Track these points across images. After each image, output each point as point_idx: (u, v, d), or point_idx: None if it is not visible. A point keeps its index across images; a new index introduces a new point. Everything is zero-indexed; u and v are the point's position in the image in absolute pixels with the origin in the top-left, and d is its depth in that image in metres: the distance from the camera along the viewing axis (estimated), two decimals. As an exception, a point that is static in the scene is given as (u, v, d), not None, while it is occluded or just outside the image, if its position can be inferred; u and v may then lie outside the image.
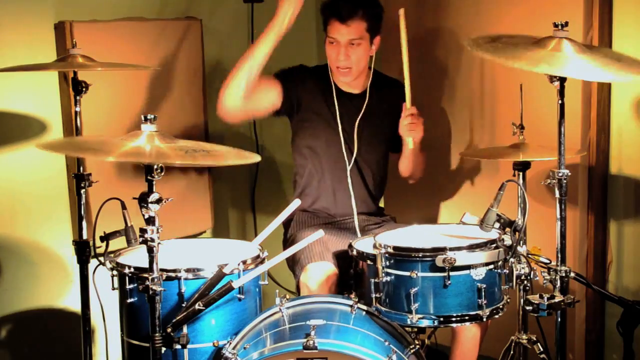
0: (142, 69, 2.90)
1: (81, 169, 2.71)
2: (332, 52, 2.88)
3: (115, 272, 2.36)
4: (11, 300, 3.03)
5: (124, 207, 2.44)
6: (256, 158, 2.17)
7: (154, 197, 1.99)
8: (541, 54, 2.22)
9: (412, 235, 2.50)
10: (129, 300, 2.30)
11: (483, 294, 2.24)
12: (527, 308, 2.29)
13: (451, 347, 2.71)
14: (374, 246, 2.33)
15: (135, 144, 2.00)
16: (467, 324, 2.36)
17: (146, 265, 2.06)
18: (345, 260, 2.66)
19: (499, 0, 3.13)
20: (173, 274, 2.24)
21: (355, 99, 2.97)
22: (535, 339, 2.67)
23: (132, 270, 2.29)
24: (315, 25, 3.84)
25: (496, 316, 2.30)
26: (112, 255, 2.42)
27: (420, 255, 2.24)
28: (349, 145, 2.95)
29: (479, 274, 2.25)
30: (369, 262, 2.38)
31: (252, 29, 3.65)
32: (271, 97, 2.89)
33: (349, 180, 2.94)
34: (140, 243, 2.04)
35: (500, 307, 2.32)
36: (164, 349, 2.10)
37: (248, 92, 2.74)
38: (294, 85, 2.93)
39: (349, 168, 2.94)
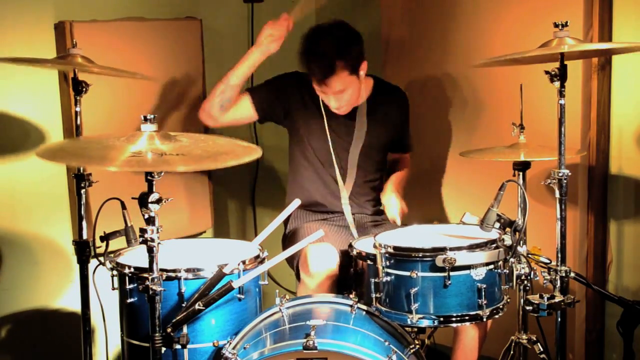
0: (140, 77, 2.88)
1: (81, 169, 2.71)
2: (322, 96, 2.87)
3: (115, 272, 2.36)
4: (11, 300, 3.03)
5: (123, 207, 2.44)
6: (257, 152, 2.15)
7: (153, 197, 1.99)
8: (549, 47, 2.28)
9: (412, 235, 2.50)
10: (129, 300, 2.30)
11: (483, 294, 2.24)
12: (527, 308, 2.29)
13: (453, 347, 2.71)
14: (374, 246, 2.33)
15: (137, 148, 1.98)
16: (467, 323, 2.36)
17: (146, 265, 2.05)
18: (344, 258, 2.66)
19: (498, 1, 3.13)
20: (173, 274, 2.24)
21: (345, 115, 2.95)
22: (535, 339, 2.66)
23: (132, 270, 2.29)
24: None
25: (496, 316, 2.30)
26: (112, 255, 2.42)
27: (420, 255, 2.24)
28: (342, 155, 2.95)
29: (479, 274, 2.25)
30: (369, 262, 2.38)
31: (252, 29, 3.66)
32: (244, 111, 2.95)
33: (340, 183, 2.94)
34: (140, 243, 2.04)
35: (501, 307, 2.32)
36: (164, 349, 2.10)
37: (225, 107, 2.88)
38: (273, 96, 2.94)
39: (338, 176, 2.95)
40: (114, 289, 2.38)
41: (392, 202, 2.86)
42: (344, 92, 2.80)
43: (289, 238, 2.97)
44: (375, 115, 2.98)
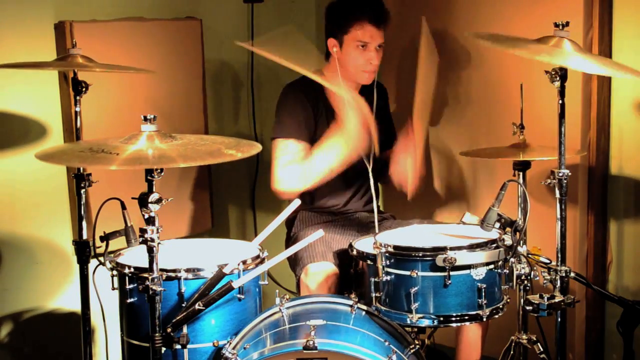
0: (141, 72, 2.90)
1: (81, 169, 2.71)
2: (361, 57, 2.85)
3: (115, 272, 2.36)
4: (11, 300, 3.03)
5: (123, 207, 2.44)
6: (257, 148, 2.15)
7: (153, 197, 1.99)
8: (542, 47, 2.26)
9: (413, 235, 2.50)
10: (129, 300, 2.30)
11: (483, 293, 2.24)
12: (527, 308, 2.29)
13: (456, 347, 2.71)
14: (374, 245, 2.33)
15: (137, 147, 2.00)
16: (467, 323, 2.36)
17: (146, 265, 2.05)
18: (348, 258, 2.65)
19: (498, 0, 3.13)
20: (173, 274, 2.24)
21: None
22: (535, 339, 2.67)
23: (132, 270, 2.29)
24: (315, 25, 3.84)
25: (496, 316, 2.30)
26: (112, 255, 2.42)
27: (420, 254, 2.24)
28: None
29: (479, 273, 2.25)
30: (369, 261, 2.38)
31: (252, 29, 3.66)
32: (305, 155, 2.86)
33: (371, 180, 2.89)
34: (140, 243, 2.04)
35: (501, 307, 2.32)
36: (164, 349, 2.10)
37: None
38: (308, 120, 2.87)
39: (370, 167, 2.89)
40: (114, 289, 2.38)
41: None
42: (380, 51, 2.87)
43: (292, 241, 2.97)
44: (371, 107, 2.97)
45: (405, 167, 2.87)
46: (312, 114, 2.89)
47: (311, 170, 2.76)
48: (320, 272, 2.65)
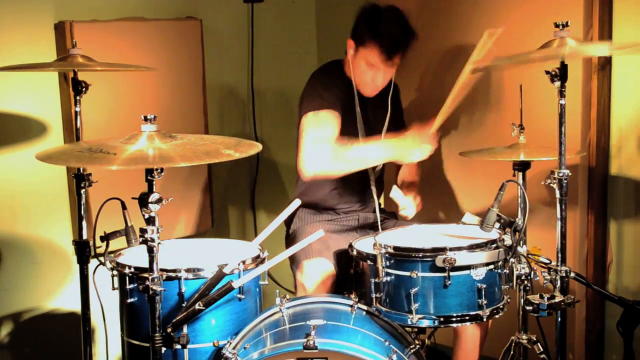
0: (142, 69, 2.90)
1: (81, 169, 2.71)
2: (368, 73, 2.79)
3: (115, 272, 2.36)
4: (11, 300, 3.03)
5: (124, 207, 2.44)
6: (257, 148, 2.15)
7: (153, 197, 1.99)
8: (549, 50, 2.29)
9: (413, 235, 2.50)
10: (129, 300, 2.30)
11: (483, 294, 2.24)
12: (527, 308, 2.29)
13: (454, 347, 2.71)
14: (374, 246, 2.33)
15: (137, 147, 2.00)
16: (467, 324, 2.36)
17: (146, 265, 2.06)
18: (347, 258, 2.65)
19: (499, 0, 3.13)
20: (173, 274, 2.24)
21: (372, 102, 2.93)
22: (535, 339, 2.67)
23: (132, 270, 2.29)
24: (315, 25, 3.84)
25: (496, 316, 2.31)
26: (112, 255, 2.42)
27: (420, 255, 2.24)
28: None
29: (479, 274, 2.25)
30: (369, 262, 2.38)
31: (252, 29, 3.66)
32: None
33: (372, 183, 2.90)
34: (141, 243, 2.04)
35: (501, 307, 2.32)
36: (164, 349, 2.10)
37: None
38: (340, 99, 2.82)
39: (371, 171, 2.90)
40: (114, 289, 2.38)
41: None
42: (391, 70, 2.84)
43: (291, 239, 2.97)
44: (385, 106, 2.96)
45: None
46: (342, 95, 2.83)
47: (344, 156, 2.70)
48: (315, 269, 2.64)
